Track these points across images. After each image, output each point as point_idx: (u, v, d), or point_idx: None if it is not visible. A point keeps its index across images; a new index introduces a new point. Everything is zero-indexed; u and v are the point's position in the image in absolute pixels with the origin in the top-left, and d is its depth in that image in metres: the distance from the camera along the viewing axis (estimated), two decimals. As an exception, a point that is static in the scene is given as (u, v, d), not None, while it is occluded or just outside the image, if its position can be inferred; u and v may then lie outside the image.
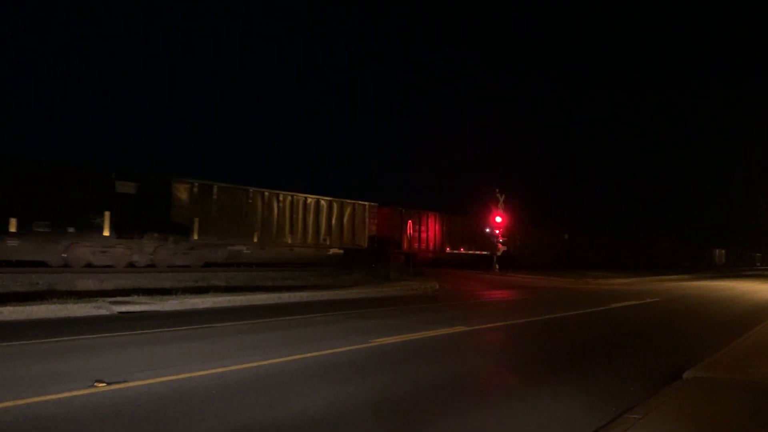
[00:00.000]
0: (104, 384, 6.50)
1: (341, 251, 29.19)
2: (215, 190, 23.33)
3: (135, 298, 14.43)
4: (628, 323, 14.97)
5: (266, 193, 25.18)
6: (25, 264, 18.48)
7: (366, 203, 31.02)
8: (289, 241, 26.04)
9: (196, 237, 22.85)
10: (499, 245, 38.22)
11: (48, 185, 19.36)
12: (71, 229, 19.72)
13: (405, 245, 34.55)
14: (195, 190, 22.85)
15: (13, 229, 18.58)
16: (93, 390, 6.30)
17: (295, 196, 26.57)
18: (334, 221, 28.61)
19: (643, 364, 9.16)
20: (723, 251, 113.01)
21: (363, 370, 7.93)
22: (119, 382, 6.61)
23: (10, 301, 12.56)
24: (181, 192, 22.71)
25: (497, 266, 37.63)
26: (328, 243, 28.50)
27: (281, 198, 25.86)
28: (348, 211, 29.60)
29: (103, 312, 12.98)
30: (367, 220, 31.13)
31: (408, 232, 33.70)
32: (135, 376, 6.92)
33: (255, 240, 24.28)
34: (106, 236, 20.43)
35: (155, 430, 5.19)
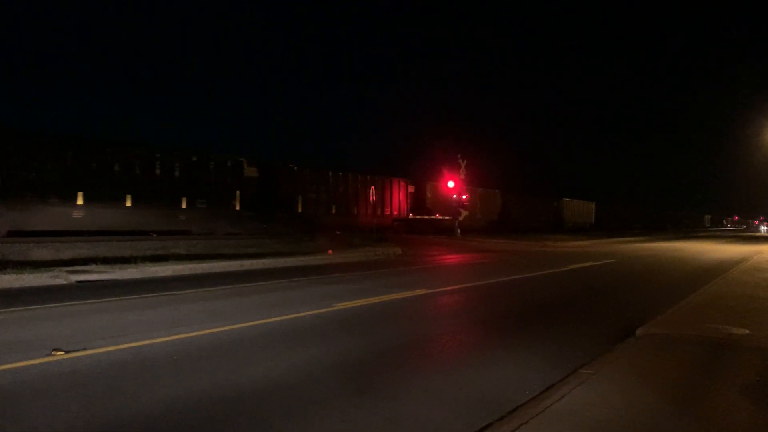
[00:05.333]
0: (62, 352, 6.41)
1: (391, 219, 35.35)
2: (307, 171, 29.90)
3: (93, 267, 14.19)
4: (584, 283, 15.37)
5: (340, 174, 32.55)
6: (177, 233, 22.31)
7: (404, 179, 37.99)
8: (355, 212, 33.05)
9: (300, 210, 29.77)
10: (461, 210, 38.58)
11: (204, 171, 25.08)
12: (216, 205, 25.53)
13: (369, 211, 34.61)
14: (297, 171, 29.14)
15: (183, 205, 24.27)
16: (51, 359, 6.22)
17: (359, 176, 33.28)
18: (384, 194, 35.26)
19: (598, 322, 9.44)
20: (709, 216, 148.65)
21: (325, 333, 7.99)
22: (78, 350, 6.53)
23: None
24: (288, 174, 29.16)
25: (459, 231, 38.02)
26: (380, 212, 34.66)
27: (350, 178, 32.87)
28: (395, 186, 36.26)
29: (60, 281, 12.74)
30: (407, 192, 37.97)
31: (371, 198, 33.72)
32: (94, 344, 6.84)
33: (333, 212, 31.40)
34: (237, 210, 26.22)
35: (116, 396, 5.15)
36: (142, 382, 5.58)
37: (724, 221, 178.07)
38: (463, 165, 38.51)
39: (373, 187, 34.37)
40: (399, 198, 38.07)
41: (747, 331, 7.74)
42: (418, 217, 39.53)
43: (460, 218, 38.67)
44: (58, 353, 6.38)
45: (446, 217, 40.02)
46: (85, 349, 6.62)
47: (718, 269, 19.10)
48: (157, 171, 23.12)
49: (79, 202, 20.64)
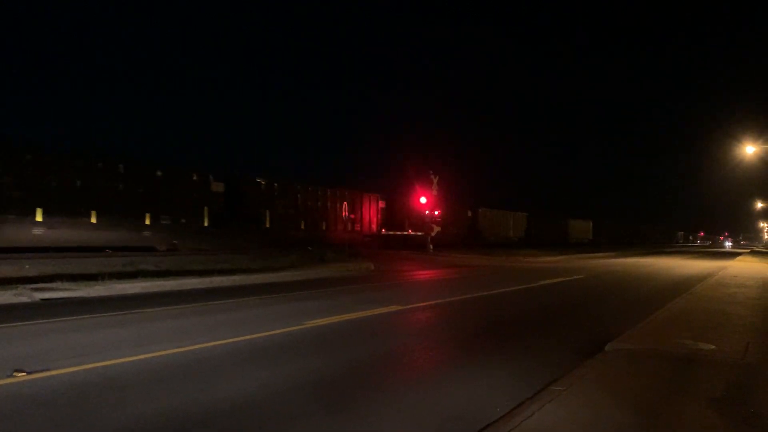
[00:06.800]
0: (24, 373, 6.23)
1: (364, 234, 38.75)
2: (276, 186, 33.31)
3: (58, 284, 13.88)
4: (554, 299, 15.48)
5: (310, 188, 36.50)
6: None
7: (377, 195, 41.08)
8: (326, 227, 36.46)
9: (267, 225, 33.23)
10: (434, 226, 38.74)
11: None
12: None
13: (341, 226, 34.56)
14: (265, 186, 32.88)
15: (323, 227, 35.50)
16: (11, 380, 6.04)
17: (330, 191, 36.36)
18: (356, 209, 38.22)
19: (568, 338, 9.51)
20: (682, 233, 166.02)
21: (297, 351, 7.91)
22: (41, 371, 6.36)
23: None
24: (255, 189, 32.73)
25: (431, 246, 38.13)
26: (352, 228, 37.53)
27: (320, 192, 36.21)
28: (366, 201, 39.61)
29: (23, 299, 12.44)
30: (379, 207, 41.09)
31: (344, 213, 33.69)
32: (58, 364, 6.67)
33: (303, 227, 35.59)
34: (205, 226, 30.26)
35: (79, 417, 5.02)
36: (108, 402, 5.45)
37: (690, 237, 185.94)
38: (435, 181, 38.73)
39: (345, 202, 34.35)
40: (371, 213, 38.14)
41: (713, 347, 7.88)
42: (390, 232, 39.59)
43: (432, 234, 38.80)
44: (20, 374, 6.21)
45: (419, 233, 40.14)
46: (48, 369, 6.45)
47: (685, 284, 19.44)
48: (318, 203, 35.27)
49: (302, 227, 32.97)
